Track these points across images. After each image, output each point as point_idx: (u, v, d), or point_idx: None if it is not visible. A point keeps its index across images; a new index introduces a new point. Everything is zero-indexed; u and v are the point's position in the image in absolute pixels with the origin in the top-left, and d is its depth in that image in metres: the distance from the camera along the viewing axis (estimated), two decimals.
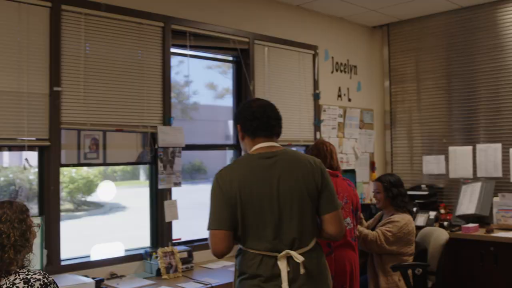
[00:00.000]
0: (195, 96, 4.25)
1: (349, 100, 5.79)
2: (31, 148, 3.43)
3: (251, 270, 2.40)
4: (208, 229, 2.41)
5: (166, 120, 4.10)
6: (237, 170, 2.46)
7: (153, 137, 4.02)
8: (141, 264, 3.86)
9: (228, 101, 4.93)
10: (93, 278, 3.33)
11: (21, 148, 3.39)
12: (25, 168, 3.45)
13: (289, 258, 2.38)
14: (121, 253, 3.86)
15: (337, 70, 5.67)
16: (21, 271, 2.11)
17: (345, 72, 5.77)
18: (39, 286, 2.06)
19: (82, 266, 3.57)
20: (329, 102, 5.52)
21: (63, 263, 3.52)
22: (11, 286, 2.05)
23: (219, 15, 4.51)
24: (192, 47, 4.36)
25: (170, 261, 3.73)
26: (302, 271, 2.37)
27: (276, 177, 2.43)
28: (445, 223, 4.84)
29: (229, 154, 4.81)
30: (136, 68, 3.94)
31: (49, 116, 3.47)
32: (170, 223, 4.08)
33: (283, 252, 2.38)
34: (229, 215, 2.38)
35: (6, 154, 3.86)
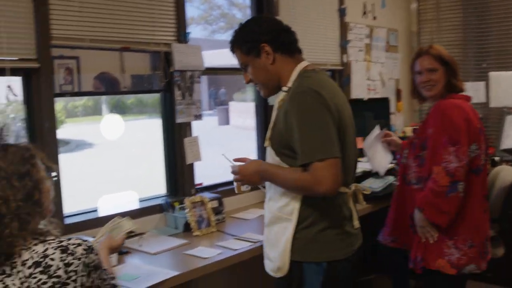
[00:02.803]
0: None
1: (374, 18, 4.98)
2: (14, 72, 2.52)
3: (336, 213, 2.02)
4: (326, 157, 1.86)
5: (182, 36, 3.23)
6: (329, 88, 2.02)
7: (167, 57, 3.17)
8: (162, 217, 3.08)
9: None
10: None
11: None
12: (8, 100, 2.57)
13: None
14: (135, 204, 3.06)
15: None
16: (49, 239, 1.54)
17: None
18: (84, 252, 1.52)
19: (90, 224, 2.75)
20: (355, 20, 4.71)
21: (66, 221, 2.71)
22: (40, 260, 1.45)
23: None
24: None
25: (201, 213, 2.97)
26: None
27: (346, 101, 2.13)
28: (496, 158, 4.22)
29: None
30: None
31: (35, 28, 2.56)
32: (191, 166, 3.30)
33: (353, 187, 2.10)
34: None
35: None
